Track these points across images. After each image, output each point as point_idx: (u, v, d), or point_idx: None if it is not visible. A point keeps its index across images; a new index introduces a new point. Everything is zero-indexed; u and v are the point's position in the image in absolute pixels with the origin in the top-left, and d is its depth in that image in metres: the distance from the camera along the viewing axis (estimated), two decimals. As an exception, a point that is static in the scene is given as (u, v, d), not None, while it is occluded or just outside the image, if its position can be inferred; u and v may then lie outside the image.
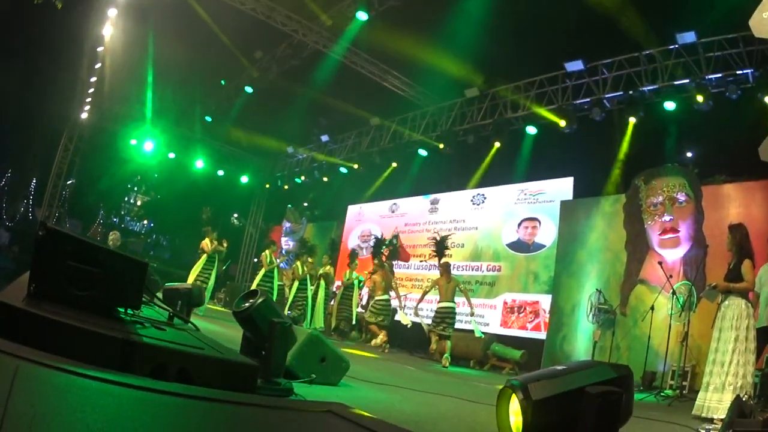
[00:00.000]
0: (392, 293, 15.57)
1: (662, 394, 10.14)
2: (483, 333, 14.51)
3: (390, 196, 21.96)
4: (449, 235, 16.59)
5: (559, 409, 1.85)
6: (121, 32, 17.62)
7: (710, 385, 7.26)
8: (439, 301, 14.08)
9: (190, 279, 14.97)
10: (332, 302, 17.79)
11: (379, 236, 19.22)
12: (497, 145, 17.61)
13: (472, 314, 13.98)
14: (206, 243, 15.32)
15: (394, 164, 21.00)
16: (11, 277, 4.45)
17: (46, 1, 14.57)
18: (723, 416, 6.25)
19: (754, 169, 11.28)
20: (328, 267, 17.43)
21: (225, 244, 16.08)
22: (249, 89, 20.26)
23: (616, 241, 14.24)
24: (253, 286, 14.15)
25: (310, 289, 16.66)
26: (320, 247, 20.58)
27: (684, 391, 10.31)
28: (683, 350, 10.61)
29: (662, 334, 11.30)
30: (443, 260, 14.86)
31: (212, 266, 15.36)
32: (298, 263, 17.19)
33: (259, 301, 4.25)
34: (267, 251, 16.35)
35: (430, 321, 14.50)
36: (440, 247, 15.58)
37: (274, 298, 15.23)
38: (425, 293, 14.54)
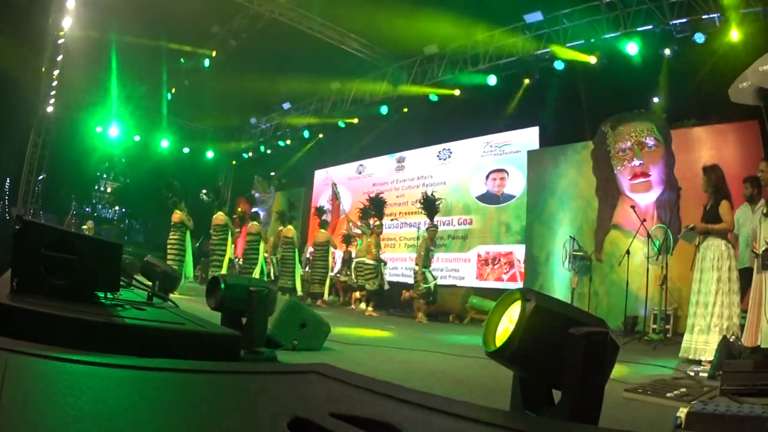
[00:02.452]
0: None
1: (646, 338, 10.26)
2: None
3: (356, 158, 22.01)
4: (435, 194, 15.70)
5: (552, 330, 1.87)
6: (81, 21, 17.36)
7: (695, 326, 7.30)
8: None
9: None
10: (307, 268, 17.75)
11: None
12: (457, 92, 17.57)
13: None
14: (178, 214, 14.93)
15: (356, 121, 21.00)
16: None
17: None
18: (711, 358, 6.27)
19: (725, 111, 11.37)
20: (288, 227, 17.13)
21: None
22: (207, 63, 20.07)
23: (586, 188, 14.34)
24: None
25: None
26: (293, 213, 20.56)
27: (668, 335, 10.43)
28: (663, 294, 10.72)
29: (640, 279, 11.37)
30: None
31: (185, 239, 14.90)
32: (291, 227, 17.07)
33: (223, 289, 4.25)
34: (219, 212, 15.74)
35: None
36: (432, 205, 14.82)
37: (226, 261, 15.19)
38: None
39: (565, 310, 1.95)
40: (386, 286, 14.93)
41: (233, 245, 16.24)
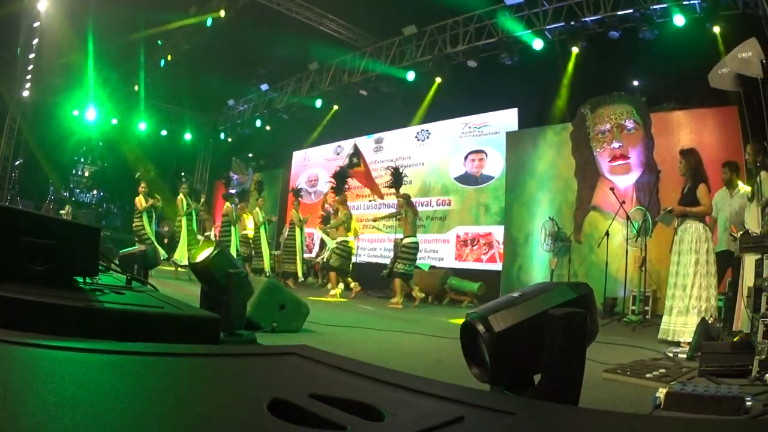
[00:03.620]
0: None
1: (625, 320, 10.35)
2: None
3: (334, 139, 22.04)
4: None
5: (523, 337, 1.88)
6: (57, 3, 17.18)
7: (674, 308, 7.39)
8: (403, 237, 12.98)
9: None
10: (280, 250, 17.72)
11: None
12: (438, 80, 17.50)
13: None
14: (139, 200, 14.91)
15: (336, 107, 20.95)
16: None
17: None
18: (689, 339, 6.35)
19: (705, 96, 11.43)
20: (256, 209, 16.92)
21: (158, 197, 15.26)
22: (186, 46, 19.94)
23: (565, 169, 14.40)
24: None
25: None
26: (269, 194, 20.46)
27: (647, 316, 10.52)
28: (642, 275, 10.77)
29: (620, 260, 11.47)
30: (402, 191, 13.71)
31: (149, 223, 14.90)
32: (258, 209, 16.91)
33: (216, 252, 4.25)
34: (180, 194, 15.84)
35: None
36: (397, 176, 14.21)
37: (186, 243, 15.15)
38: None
39: (526, 312, 1.93)
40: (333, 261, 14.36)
41: (194, 222, 16.29)
